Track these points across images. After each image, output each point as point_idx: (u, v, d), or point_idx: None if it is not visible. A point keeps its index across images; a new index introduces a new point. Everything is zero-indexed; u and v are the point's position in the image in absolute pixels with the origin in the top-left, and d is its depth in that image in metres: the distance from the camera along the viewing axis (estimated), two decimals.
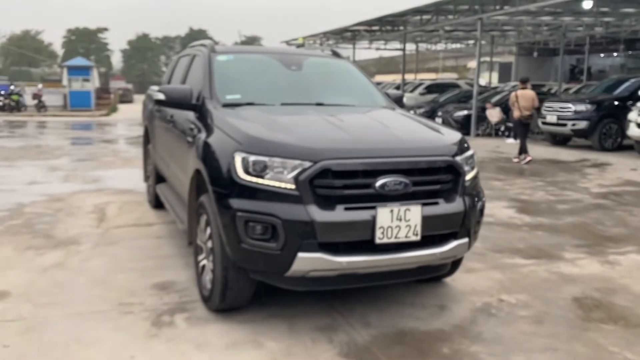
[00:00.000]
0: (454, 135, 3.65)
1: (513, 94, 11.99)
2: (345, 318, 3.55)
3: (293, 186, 3.06)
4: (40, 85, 27.32)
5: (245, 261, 3.21)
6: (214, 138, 3.54)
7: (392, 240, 3.12)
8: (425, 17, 19.10)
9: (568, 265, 4.68)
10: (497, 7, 15.51)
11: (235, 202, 3.15)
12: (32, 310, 3.61)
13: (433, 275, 3.66)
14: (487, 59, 32.49)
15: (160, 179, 6.04)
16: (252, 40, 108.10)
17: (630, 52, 31.79)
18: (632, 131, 11.63)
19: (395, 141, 3.37)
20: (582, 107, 13.13)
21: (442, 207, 3.28)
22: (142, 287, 4.04)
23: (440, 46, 32.74)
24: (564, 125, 13.47)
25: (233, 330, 3.36)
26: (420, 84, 23.37)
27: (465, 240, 3.42)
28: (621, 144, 13.14)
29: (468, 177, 3.45)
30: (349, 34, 24.50)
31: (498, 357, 3.08)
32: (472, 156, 3.57)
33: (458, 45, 32.94)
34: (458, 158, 3.39)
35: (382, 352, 3.12)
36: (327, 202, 3.08)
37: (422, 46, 33.11)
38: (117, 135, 16.92)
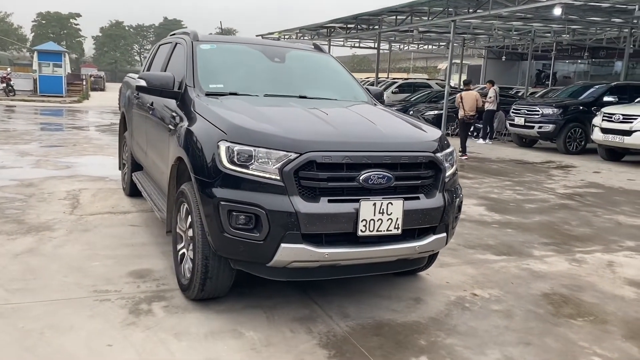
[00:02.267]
0: (435, 132, 3.73)
1: (458, 95, 12.92)
2: (324, 309, 3.60)
3: (278, 177, 3.07)
4: (9, 69, 26.55)
5: (227, 250, 3.21)
6: (197, 126, 3.53)
7: (374, 233, 3.17)
8: (400, 17, 19.25)
9: (537, 263, 4.83)
10: (471, 10, 15.75)
11: (219, 191, 3.15)
12: (3, 296, 3.54)
13: (410, 269, 3.75)
14: (457, 61, 32.97)
15: (136, 166, 5.98)
16: (227, 33, 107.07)
17: (593, 60, 32.69)
18: (596, 135, 12.01)
19: (379, 136, 3.42)
20: (549, 111, 13.49)
21: (423, 202, 3.34)
22: (118, 275, 4.00)
23: (412, 47, 33.03)
24: (531, 127, 13.83)
25: (211, 320, 3.37)
26: (392, 83, 23.56)
27: (443, 235, 3.50)
28: (585, 148, 13.58)
29: (448, 173, 3.53)
30: (324, 31, 24.50)
31: (473, 349, 3.17)
32: (451, 153, 3.65)
33: (429, 47, 33.29)
34: (439, 154, 3.47)
35: (361, 343, 3.17)
36: (311, 194, 3.11)
37: (395, 46, 33.40)
38: (89, 122, 16.59)
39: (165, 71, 4.80)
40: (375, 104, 4.51)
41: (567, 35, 23.60)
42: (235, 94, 4.04)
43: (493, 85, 15.24)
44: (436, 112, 16.85)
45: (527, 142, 14.92)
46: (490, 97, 15.17)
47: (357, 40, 29.37)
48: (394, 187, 3.25)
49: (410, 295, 3.92)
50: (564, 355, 3.16)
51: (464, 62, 35.13)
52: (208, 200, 3.19)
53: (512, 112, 14.31)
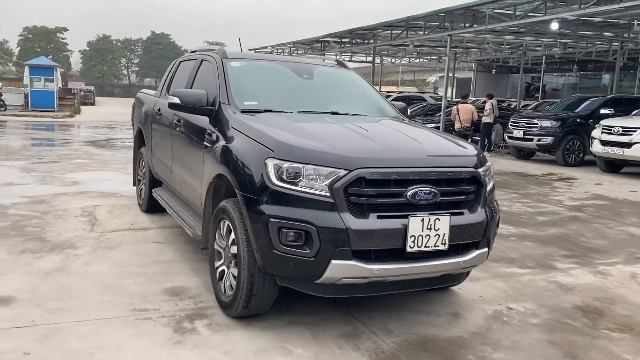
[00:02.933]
0: (473, 148, 3.77)
1: (454, 107, 13.35)
2: (366, 326, 3.60)
3: (328, 193, 3.09)
4: (0, 84, 26.39)
5: (276, 267, 3.21)
6: (240, 144, 3.54)
7: (422, 248, 3.19)
8: (395, 31, 19.45)
9: (563, 275, 4.87)
10: (467, 25, 15.96)
11: (268, 208, 3.16)
12: (43, 316, 3.50)
13: (452, 284, 3.76)
14: (441, 74, 33.36)
15: (154, 182, 5.96)
16: (214, 45, 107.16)
17: (582, 72, 33.20)
18: (596, 148, 12.18)
19: (423, 152, 3.46)
20: (547, 124, 13.67)
21: (467, 217, 3.38)
22: (153, 293, 3.97)
23: (404, 60, 33.32)
24: (530, 140, 13.99)
25: (257, 337, 3.35)
26: (387, 96, 23.71)
27: (485, 249, 3.53)
28: (583, 160, 13.75)
29: (488, 188, 3.57)
30: (318, 45, 24.66)
31: None
32: (489, 168, 3.69)
33: (420, 60, 33.61)
34: (480, 170, 3.51)
35: (409, 359, 3.17)
36: (359, 210, 3.13)
37: (386, 59, 33.67)
38: (86, 137, 16.49)
39: (191, 88, 4.81)
40: (403, 119, 4.56)
41: (558, 49, 23.98)
42: (270, 111, 4.06)
43: (491, 99, 15.42)
44: (433, 125, 16.99)
45: (525, 155, 15.08)
46: (487, 110, 15.35)
47: (350, 54, 29.58)
48: (439, 202, 3.28)
49: (448, 310, 3.94)
50: None
51: (453, 75, 35.55)
52: (257, 217, 3.19)
53: (511, 125, 14.47)
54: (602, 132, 11.93)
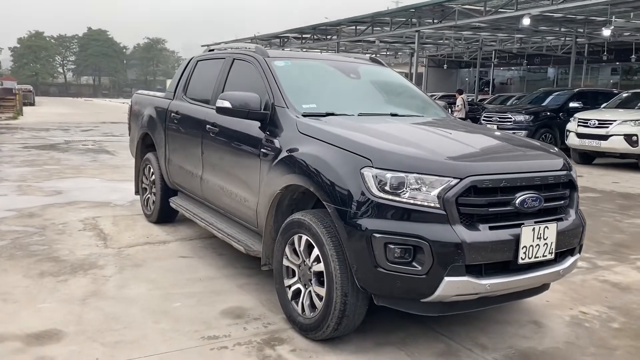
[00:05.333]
0: (556, 149, 3.63)
1: None
2: (456, 341, 3.38)
3: (438, 204, 2.85)
4: None
5: (380, 286, 2.94)
6: (320, 151, 3.23)
7: (532, 259, 3.00)
8: (359, 27, 19.35)
9: (610, 273, 4.83)
10: (436, 20, 16.04)
11: (369, 222, 2.88)
12: (106, 352, 3.08)
13: (541, 292, 3.59)
14: (395, 69, 33.73)
15: (168, 192, 5.54)
16: (155, 42, 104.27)
17: (529, 66, 34.35)
18: (572, 140, 12.48)
19: (522, 156, 3.28)
20: (520, 118, 13.92)
21: (567, 223, 3.22)
22: (213, 317, 3.61)
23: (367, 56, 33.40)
24: None
25: None
26: None
27: (578, 256, 3.39)
28: None
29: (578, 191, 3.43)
30: (277, 41, 24.26)
31: None
32: (575, 171, 3.55)
33: (376, 55, 33.80)
34: (572, 172, 3.36)
35: None
36: (469, 221, 2.90)
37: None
38: (42, 141, 15.42)
39: (223, 91, 4.44)
40: (456, 118, 4.37)
41: (512, 44, 24.63)
42: (332, 114, 3.77)
43: (462, 94, 15.57)
44: None
45: None
46: (458, 106, 15.49)
47: (306, 50, 29.33)
48: (542, 209, 3.11)
49: (526, 319, 3.78)
50: None
51: (403, 70, 35.99)
52: (356, 232, 2.91)
53: (484, 120, 14.65)
54: (578, 125, 12.22)
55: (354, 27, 19.55)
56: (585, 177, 11.03)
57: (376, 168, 2.92)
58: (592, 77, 31.41)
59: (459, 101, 15.46)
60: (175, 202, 5.29)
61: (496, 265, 2.98)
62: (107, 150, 13.01)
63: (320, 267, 3.14)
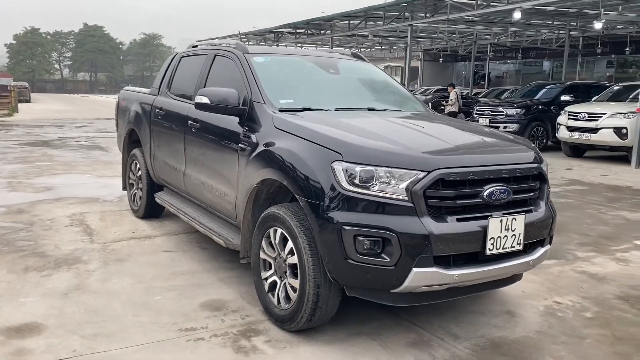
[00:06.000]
0: (528, 141, 3.69)
1: None
2: (428, 331, 3.45)
3: (406, 197, 2.91)
4: None
5: (350, 278, 3.01)
6: (294, 146, 3.28)
7: (500, 250, 3.07)
8: (353, 22, 19.36)
9: (588, 265, 4.90)
10: (428, 15, 16.06)
11: (340, 215, 2.94)
12: (85, 344, 3.15)
13: (513, 283, 3.65)
14: (398, 64, 33.73)
15: (153, 187, 5.59)
16: (152, 38, 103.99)
17: (524, 60, 34.31)
18: (562, 133, 12.54)
19: (491, 149, 3.34)
20: (512, 112, 13.97)
21: (536, 215, 3.28)
22: (193, 309, 3.67)
23: (356, 50, 33.39)
24: (496, 127, 14.23)
25: (326, 353, 3.14)
26: None
27: (548, 247, 3.46)
28: (546, 145, 14.16)
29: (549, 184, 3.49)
30: (271, 36, 24.26)
31: None
32: (546, 164, 3.61)
33: (371, 50, 33.80)
34: (542, 165, 3.42)
35: None
36: (437, 214, 2.97)
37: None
38: (35, 138, 15.45)
39: (204, 86, 4.50)
40: (434, 113, 4.43)
41: (507, 38, 24.65)
42: (308, 109, 3.82)
43: (454, 88, 15.61)
44: None
45: None
46: (452, 100, 15.53)
47: (301, 45, 29.33)
48: (512, 201, 3.17)
49: (500, 309, 3.85)
50: None
51: (398, 64, 36.01)
52: (327, 225, 2.97)
53: (476, 114, 14.71)
54: (569, 119, 12.28)
55: (347, 22, 19.57)
56: (575, 169, 11.11)
57: (346, 162, 2.98)
58: (587, 70, 31.40)
59: (452, 95, 15.51)
60: (161, 197, 5.35)
61: (465, 256, 3.05)
62: (100, 147, 13.06)
63: (294, 259, 3.21)
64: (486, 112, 14.49)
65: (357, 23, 19.09)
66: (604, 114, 11.65)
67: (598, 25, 16.95)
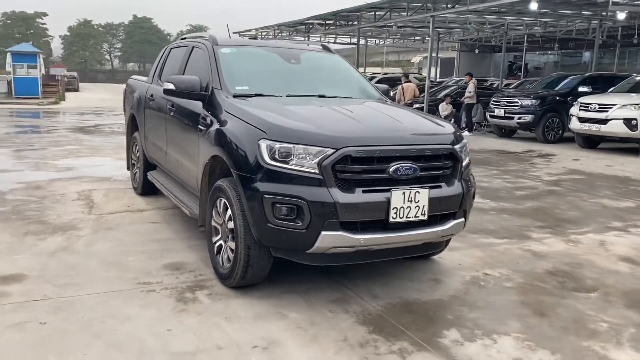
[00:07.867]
0: (450, 126, 4.07)
1: (400, 87, 16.17)
2: (354, 292, 3.91)
3: (317, 171, 3.37)
4: None
5: (271, 239, 3.50)
6: (234, 126, 3.79)
7: (404, 219, 3.49)
8: (378, 13, 19.61)
9: (537, 244, 5.22)
10: (449, 5, 16.18)
11: (262, 186, 3.44)
12: (55, 291, 3.76)
13: (432, 252, 4.07)
14: (425, 54, 33.57)
15: (149, 166, 6.20)
16: (197, 30, 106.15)
17: (563, 51, 33.60)
18: (574, 124, 12.56)
19: (404, 130, 3.75)
20: (527, 102, 14.02)
21: (444, 190, 3.68)
22: (155, 268, 4.24)
23: (388, 41, 33.48)
24: (511, 118, 14.35)
25: (255, 305, 3.65)
26: (371, 78, 23.92)
27: (462, 220, 3.85)
28: (562, 136, 14.14)
29: (464, 163, 3.87)
30: (302, 27, 24.74)
31: (495, 321, 3.52)
32: (466, 145, 3.99)
33: (404, 41, 33.79)
34: (457, 146, 3.81)
35: (395, 319, 3.49)
36: (346, 185, 3.42)
37: (371, 41, 33.80)
38: (73, 124, 16.52)
39: (184, 74, 5.04)
40: (386, 101, 4.84)
41: (539, 28, 24.30)
42: (260, 95, 4.31)
43: (472, 79, 15.71)
44: (417, 106, 17.29)
45: (506, 133, 15.45)
46: (470, 92, 15.64)
47: (334, 35, 29.68)
48: (419, 177, 3.58)
49: (429, 277, 4.27)
50: (576, 323, 3.54)
51: (437, 55, 35.76)
52: (252, 194, 3.47)
53: (492, 104, 14.81)
54: (580, 110, 12.30)
55: (372, 13, 19.84)
56: (582, 160, 11.18)
57: (269, 140, 3.47)
58: (629, 61, 30.56)
59: (470, 87, 15.59)
60: (151, 175, 5.96)
61: (373, 223, 3.49)
62: None
63: (232, 224, 3.73)
64: (502, 102, 14.58)
65: (383, 14, 19.34)
66: (615, 105, 11.62)
67: (621, 16, 16.62)
